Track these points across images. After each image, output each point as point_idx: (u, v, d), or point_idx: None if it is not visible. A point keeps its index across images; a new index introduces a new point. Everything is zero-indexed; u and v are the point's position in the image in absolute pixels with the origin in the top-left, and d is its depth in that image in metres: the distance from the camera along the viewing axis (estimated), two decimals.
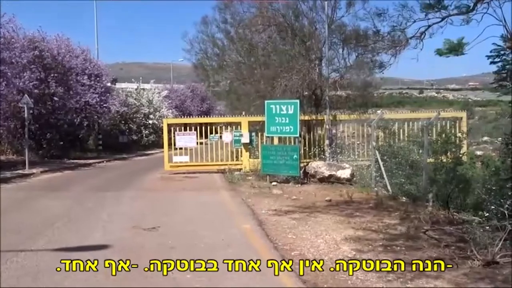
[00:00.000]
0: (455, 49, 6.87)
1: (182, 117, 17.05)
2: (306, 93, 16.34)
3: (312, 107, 16.50)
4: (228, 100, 24.23)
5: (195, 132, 15.04)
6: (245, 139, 14.57)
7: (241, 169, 14.58)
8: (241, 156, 14.93)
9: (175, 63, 46.26)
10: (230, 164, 14.63)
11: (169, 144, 15.19)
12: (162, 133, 16.99)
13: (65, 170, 16.25)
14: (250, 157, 14.72)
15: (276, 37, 16.87)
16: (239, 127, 15.03)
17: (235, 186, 11.69)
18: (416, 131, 11.73)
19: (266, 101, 12.58)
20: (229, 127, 15.79)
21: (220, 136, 15.21)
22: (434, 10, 6.94)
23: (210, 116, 17.09)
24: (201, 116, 16.89)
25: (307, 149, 14.46)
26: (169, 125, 15.47)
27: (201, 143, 15.74)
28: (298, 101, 12.11)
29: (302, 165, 12.77)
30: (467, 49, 6.81)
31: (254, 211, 8.33)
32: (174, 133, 15.18)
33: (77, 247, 5.92)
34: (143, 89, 30.28)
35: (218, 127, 15.50)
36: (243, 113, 15.74)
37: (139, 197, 10.21)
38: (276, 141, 14.18)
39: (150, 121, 27.97)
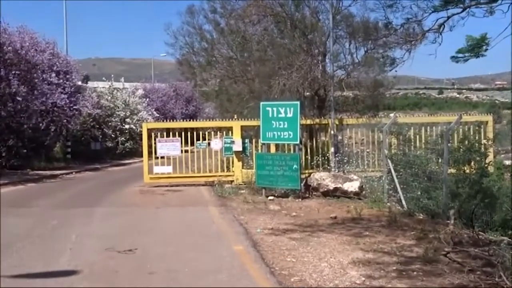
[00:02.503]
0: (478, 45, 6.91)
1: (164, 121, 16.98)
2: (307, 93, 16.40)
3: (315, 109, 16.56)
4: (218, 102, 24.31)
5: (179, 138, 14.99)
6: (237, 146, 14.56)
7: (233, 181, 14.55)
8: (232, 167, 14.90)
9: (157, 58, 46.37)
10: (219, 176, 14.61)
11: (149, 152, 15.14)
12: (141, 140, 16.94)
13: (27, 182, 16.13)
14: (243, 168, 14.71)
15: (273, 29, 16.97)
16: (230, 132, 15.02)
17: (226, 201, 11.66)
18: (434, 138, 11.76)
19: (261, 103, 12.58)
20: (218, 132, 15.74)
21: (209, 143, 15.18)
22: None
23: (196, 120, 17.02)
24: (186, 120, 16.88)
25: (309, 158, 14.48)
26: (149, 130, 15.43)
27: (186, 151, 15.68)
28: (298, 102, 12.13)
29: (303, 176, 12.73)
30: (492, 44, 6.87)
31: (248, 230, 8.31)
32: (155, 140, 15.11)
33: (41, 273, 5.85)
34: (117, 88, 30.25)
35: (206, 133, 15.46)
36: (235, 117, 15.73)
37: (114, 214, 10.15)
38: (273, 149, 14.15)
39: (127, 126, 27.91)
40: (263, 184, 12.29)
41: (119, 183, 16.27)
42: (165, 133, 15.39)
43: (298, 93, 14.90)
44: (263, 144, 12.76)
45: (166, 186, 14.79)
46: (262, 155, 12.55)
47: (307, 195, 12.15)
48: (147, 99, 32.56)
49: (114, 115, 27.69)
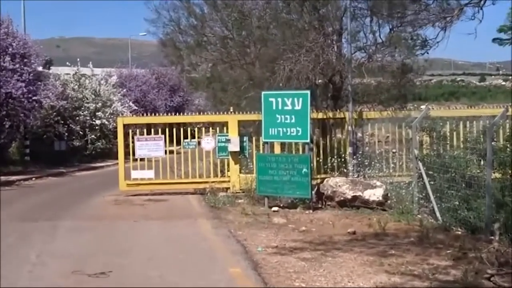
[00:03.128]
0: None
1: (144, 115, 16.99)
2: (320, 81, 16.41)
3: (329, 100, 16.58)
4: (210, 91, 24.29)
5: (163, 136, 15.02)
6: (234, 146, 14.59)
7: (228, 188, 14.58)
8: (228, 171, 14.94)
9: (135, 38, 46.45)
10: (212, 182, 14.65)
11: (126, 154, 15.15)
12: (115, 138, 16.95)
13: None
14: (240, 172, 14.74)
15: (278, 3, 16.96)
16: (225, 128, 15.02)
17: (220, 213, 11.69)
18: (475, 135, 11.77)
19: (263, 93, 12.60)
20: (211, 129, 15.76)
21: (199, 142, 15.21)
22: None
23: (184, 114, 17.08)
24: (171, 114, 16.91)
25: (321, 160, 14.51)
26: (125, 127, 15.44)
27: (171, 152, 15.70)
28: (308, 92, 12.15)
29: (314, 182, 12.72)
30: None
31: (247, 248, 8.32)
32: (132, 138, 15.13)
33: None
34: (85, 75, 30.24)
35: (196, 129, 15.48)
36: (231, 110, 15.76)
37: (83, 229, 10.16)
38: (277, 149, 14.18)
39: (98, 121, 27.93)
40: (265, 192, 12.30)
41: (89, 191, 16.31)
42: (145, 130, 15.41)
43: (308, 80, 14.90)
44: (266, 143, 12.78)
45: (147, 194, 14.81)
46: (264, 157, 12.56)
47: (319, 206, 12.16)
48: (124, 89, 32.57)
49: (83, 108, 27.71)
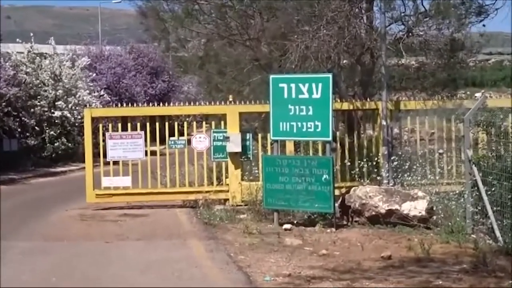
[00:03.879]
0: None
1: (119, 105, 17.01)
2: (345, 61, 16.36)
3: (357, 87, 16.52)
4: (204, 75, 24.23)
5: (143, 133, 15.02)
6: (234, 145, 14.58)
7: (227, 200, 14.59)
8: (226, 177, 14.95)
9: (107, 6, 46.48)
10: (206, 192, 14.65)
11: (95, 155, 15.18)
12: (82, 135, 16.93)
13: None
14: (243, 179, 14.74)
15: None
16: (222, 123, 15.02)
17: (217, 232, 11.69)
18: None
19: (271, 76, 12.58)
20: (204, 123, 15.75)
21: (189, 141, 15.20)
22: None
23: (170, 104, 17.03)
24: (153, 104, 16.82)
25: (348, 163, 14.48)
26: (94, 121, 15.44)
27: (153, 153, 15.67)
28: (330, 76, 12.11)
29: (338, 192, 12.70)
30: None
31: (251, 277, 8.31)
32: (103, 135, 15.11)
33: None
34: (43, 54, 30.19)
35: (185, 124, 15.42)
36: (230, 99, 15.73)
37: (38, 253, 10.14)
38: (290, 149, 14.15)
39: (59, 113, 27.91)
40: (275, 205, 12.27)
41: (47, 203, 16.33)
42: (119, 125, 15.38)
43: (330, 60, 14.83)
44: (275, 141, 12.73)
45: (122, 208, 14.82)
46: (274, 159, 12.53)
47: (344, 222, 12.15)
48: (93, 74, 32.55)
49: (39, 97, 27.72)
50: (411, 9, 15.74)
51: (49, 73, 28.71)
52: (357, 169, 14.31)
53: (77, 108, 27.70)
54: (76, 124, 27.34)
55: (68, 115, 28.03)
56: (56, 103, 28.04)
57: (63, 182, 22.37)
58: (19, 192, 19.68)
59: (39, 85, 28.00)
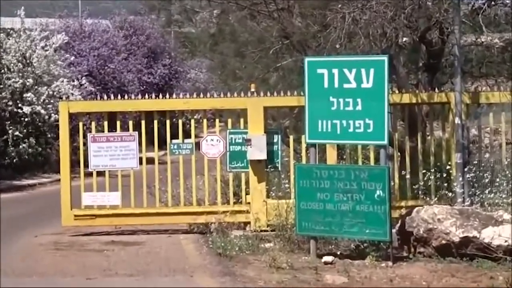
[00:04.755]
0: None
1: (105, 97, 16.99)
2: (405, 39, 16.32)
3: (420, 72, 16.45)
4: (216, 58, 24.33)
5: (136, 134, 15.12)
6: (258, 150, 14.57)
7: (248, 223, 14.64)
8: (247, 193, 14.97)
9: None
10: (220, 213, 14.68)
11: (74, 164, 15.22)
12: (57, 138, 16.94)
13: None
14: (268, 196, 14.73)
15: None
16: (242, 121, 15.10)
17: (234, 266, 11.71)
18: None
19: (307, 59, 12.56)
20: (218, 121, 15.73)
21: (197, 144, 15.22)
22: None
23: (172, 96, 17.01)
24: (150, 96, 16.83)
25: (408, 175, 14.49)
26: (73, 117, 15.51)
27: (150, 161, 15.70)
28: (386, 58, 12.05)
29: (396, 214, 12.71)
30: None
31: None
32: (85, 137, 15.17)
33: None
34: (8, 30, 30.20)
35: (192, 122, 15.45)
36: (252, 89, 15.72)
37: None
38: (332, 156, 14.18)
39: (27, 108, 28.00)
40: (311, 231, 12.23)
41: (10, 227, 16.31)
42: (106, 123, 15.43)
43: (385, 38, 14.81)
44: (312, 146, 12.73)
45: (109, 233, 14.90)
46: (310, 170, 12.50)
47: (404, 254, 12.11)
48: (71, 56, 32.66)
49: (1, 86, 27.82)
50: None
51: (15, 54, 28.77)
52: (421, 183, 14.29)
53: (51, 100, 27.73)
54: (50, 122, 27.39)
55: (40, 110, 27.91)
56: (24, 95, 28.02)
57: (31, 199, 22.44)
58: None
59: (1, 71, 28.06)
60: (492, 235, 11.58)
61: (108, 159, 14.97)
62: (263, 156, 14.59)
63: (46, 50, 29.63)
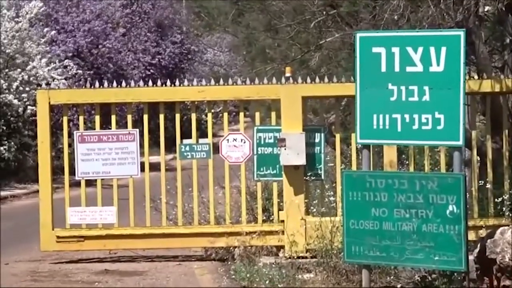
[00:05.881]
0: None
1: (96, 84, 16.99)
2: (486, 8, 16.23)
3: (507, 52, 16.37)
4: (242, 32, 24.39)
5: (137, 132, 15.21)
6: (294, 153, 14.57)
7: (282, 247, 14.66)
8: (280, 209, 14.98)
9: None
10: (245, 234, 14.73)
11: (57, 170, 15.25)
12: (34, 137, 16.95)
13: None
14: (308, 212, 14.77)
15: None
16: (273, 115, 15.20)
17: None
18: None
19: (358, 35, 12.50)
20: (242, 115, 15.74)
21: (215, 145, 15.24)
22: None
23: (183, 83, 17.01)
24: (155, 82, 16.88)
25: (489, 185, 14.46)
26: (55, 110, 15.59)
27: (154, 167, 15.73)
28: (462, 33, 11.99)
29: (473, 236, 12.71)
30: None
31: None
32: (70, 135, 15.25)
33: None
34: None
35: (209, 116, 15.49)
36: (287, 73, 15.72)
37: None
38: (391, 160, 14.15)
39: None
40: (363, 258, 12.16)
41: None
42: (98, 118, 15.50)
43: (461, 7, 14.79)
44: (364, 147, 12.70)
45: (102, 260, 15.02)
46: (362, 178, 12.42)
47: (484, 287, 12.06)
48: (52, 31, 32.85)
49: None
50: None
51: None
52: (506, 196, 14.24)
53: (27, 88, 27.93)
54: (26, 116, 27.55)
55: (13, 100, 28.14)
56: None
57: (1, 216, 22.61)
58: None
59: None
60: None
61: (100, 164, 15.01)
62: (301, 160, 14.59)
63: (18, 22, 29.77)
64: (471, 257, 12.00)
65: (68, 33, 34.93)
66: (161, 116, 15.24)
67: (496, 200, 14.28)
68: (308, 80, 15.20)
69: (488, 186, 14.36)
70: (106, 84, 15.94)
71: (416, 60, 11.88)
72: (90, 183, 15.18)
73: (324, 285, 12.40)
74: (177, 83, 15.88)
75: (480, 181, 14.35)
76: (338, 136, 14.93)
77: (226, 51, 40.06)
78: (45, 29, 31.89)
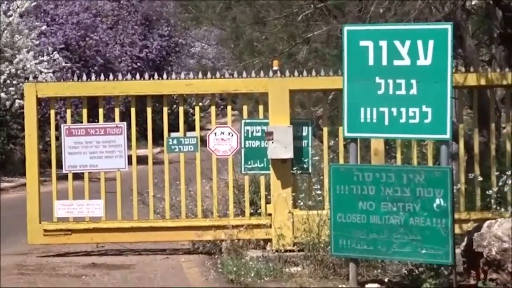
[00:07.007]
0: None
1: (84, 77, 16.96)
2: (474, 1, 16.22)
3: (495, 45, 16.39)
4: (229, 26, 24.34)
5: (123, 125, 15.20)
6: (282, 146, 14.57)
7: (269, 241, 14.69)
8: (267, 202, 15.00)
9: None
10: (233, 227, 14.75)
11: (44, 163, 15.21)
12: (22, 130, 16.90)
13: None
14: (296, 205, 14.78)
15: None
16: (260, 108, 15.20)
17: None
18: None
19: (346, 28, 12.50)
20: (230, 108, 15.73)
21: (203, 139, 15.22)
22: None
23: (170, 76, 16.95)
24: (142, 75, 16.84)
25: (476, 179, 14.50)
26: (43, 103, 15.55)
27: (142, 161, 15.72)
28: (449, 26, 11.99)
29: (460, 230, 12.79)
30: None
31: None
32: (57, 128, 15.19)
33: None
34: None
35: (197, 110, 15.46)
36: (275, 66, 15.70)
37: None
38: (378, 153, 14.21)
39: None
40: (351, 251, 12.19)
41: None
42: (85, 111, 15.47)
43: (450, 1, 14.78)
44: (352, 141, 12.70)
45: (89, 253, 15.03)
46: (350, 172, 12.45)
47: (471, 281, 12.06)
48: (43, 24, 32.73)
49: None
50: None
51: None
52: (494, 190, 14.26)
53: (14, 82, 27.88)
54: (13, 110, 27.52)
55: (1, 94, 28.10)
56: None
57: None
58: None
59: None
60: None
61: (87, 157, 15.01)
62: (288, 154, 14.59)
63: (9, 16, 29.68)
64: (458, 251, 12.03)
65: (58, 25, 34.79)
66: (149, 109, 15.23)
67: (483, 194, 14.28)
68: (296, 73, 15.17)
69: (475, 179, 14.39)
70: (93, 77, 15.91)
71: (403, 54, 11.91)
72: (78, 176, 15.13)
73: (311, 278, 12.38)
74: (164, 76, 15.82)
75: (467, 175, 14.37)
76: (325, 130, 14.95)
77: (213, 44, 39.98)
78: (36, 23, 31.77)
